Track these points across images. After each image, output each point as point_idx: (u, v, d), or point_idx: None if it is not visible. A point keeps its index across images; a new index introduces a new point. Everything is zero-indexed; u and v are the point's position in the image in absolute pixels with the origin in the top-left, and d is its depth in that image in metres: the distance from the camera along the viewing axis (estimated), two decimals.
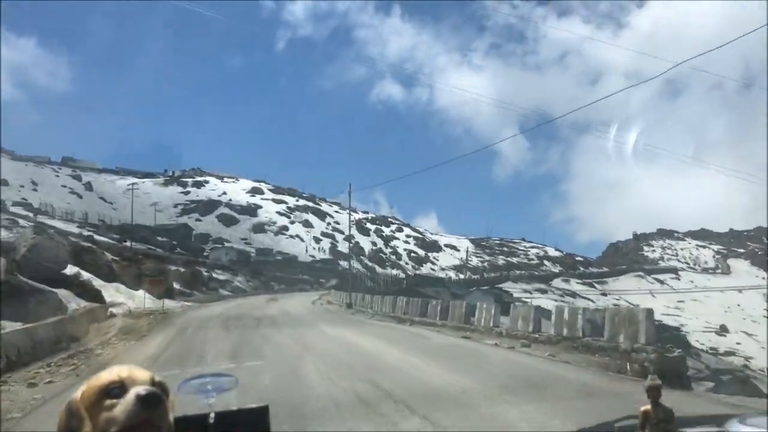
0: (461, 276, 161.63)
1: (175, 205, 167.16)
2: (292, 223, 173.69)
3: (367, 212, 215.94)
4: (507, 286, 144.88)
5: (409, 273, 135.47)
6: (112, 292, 37.97)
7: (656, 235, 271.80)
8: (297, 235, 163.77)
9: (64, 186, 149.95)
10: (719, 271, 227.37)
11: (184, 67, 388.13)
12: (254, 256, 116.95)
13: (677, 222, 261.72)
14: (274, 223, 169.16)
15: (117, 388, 1.23)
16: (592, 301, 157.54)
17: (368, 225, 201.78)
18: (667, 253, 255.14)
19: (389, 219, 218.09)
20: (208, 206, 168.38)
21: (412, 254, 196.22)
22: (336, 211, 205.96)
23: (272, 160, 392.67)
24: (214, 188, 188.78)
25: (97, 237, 67.55)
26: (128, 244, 69.49)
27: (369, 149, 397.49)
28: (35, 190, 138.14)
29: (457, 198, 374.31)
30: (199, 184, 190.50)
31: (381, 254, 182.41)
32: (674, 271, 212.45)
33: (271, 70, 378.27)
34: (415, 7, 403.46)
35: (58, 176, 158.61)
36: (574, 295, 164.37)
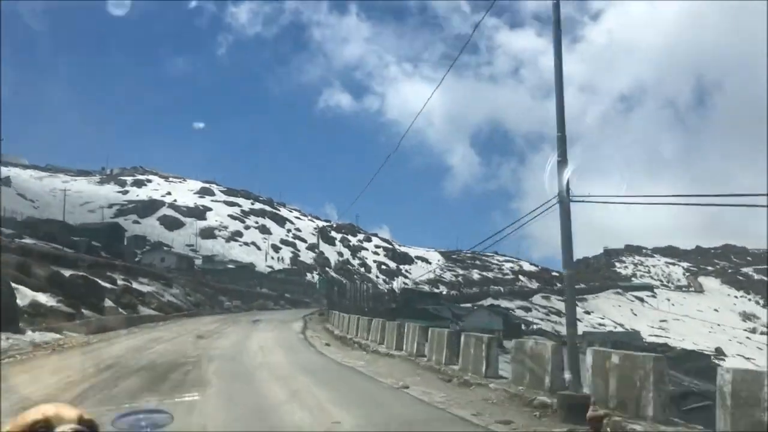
0: (436, 290, 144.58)
1: (110, 205, 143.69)
2: (247, 228, 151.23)
3: (329, 221, 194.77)
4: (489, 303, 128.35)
5: (390, 287, 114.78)
6: None
7: (624, 251, 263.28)
8: (253, 242, 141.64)
9: None
10: (692, 289, 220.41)
11: (126, 68, 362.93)
12: (200, 264, 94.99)
13: (633, 240, 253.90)
14: (226, 227, 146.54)
15: (42, 428, 1.15)
16: (578, 320, 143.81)
17: (333, 234, 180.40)
18: (639, 270, 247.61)
19: (357, 228, 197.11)
20: (148, 207, 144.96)
21: (383, 266, 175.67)
22: (297, 217, 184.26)
23: (223, 162, 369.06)
24: (156, 188, 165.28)
25: None
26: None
27: (322, 156, 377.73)
28: None
29: (413, 211, 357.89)
30: (139, 183, 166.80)
31: (349, 266, 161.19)
32: (650, 288, 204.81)
33: (217, 72, 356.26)
34: (367, 13, 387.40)
35: None
36: (559, 313, 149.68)
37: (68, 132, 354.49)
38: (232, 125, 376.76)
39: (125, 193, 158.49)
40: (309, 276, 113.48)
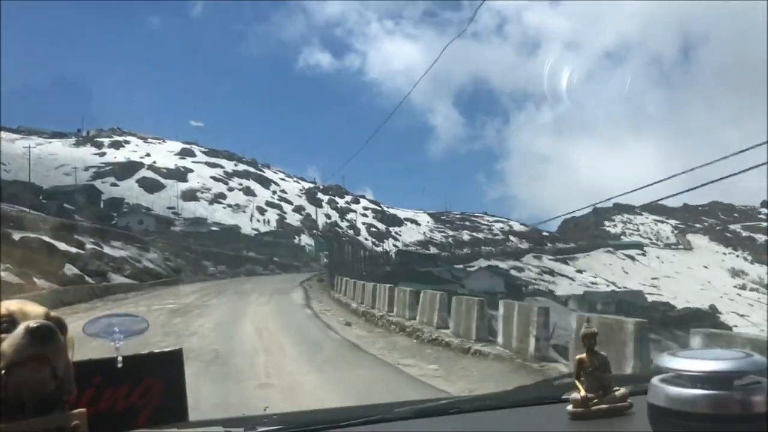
0: (427, 252, 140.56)
1: (87, 168, 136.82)
2: (231, 190, 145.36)
3: (315, 182, 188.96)
4: (480, 264, 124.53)
5: (384, 250, 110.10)
6: None
7: (613, 210, 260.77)
8: (237, 205, 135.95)
9: None
10: (681, 246, 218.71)
11: (100, 26, 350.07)
12: (182, 227, 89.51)
13: (621, 196, 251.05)
14: (209, 189, 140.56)
15: (7, 323, 1.10)
16: (571, 279, 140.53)
17: (320, 195, 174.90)
18: (629, 228, 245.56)
19: (343, 189, 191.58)
20: (126, 169, 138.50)
21: (372, 228, 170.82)
22: (282, 179, 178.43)
23: (205, 122, 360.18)
24: (135, 149, 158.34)
25: None
26: None
27: (303, 117, 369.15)
28: None
29: (398, 173, 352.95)
30: (117, 145, 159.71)
31: (337, 228, 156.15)
32: (639, 246, 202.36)
33: (194, 29, 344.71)
34: None
35: None
36: (552, 273, 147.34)
37: (42, 93, 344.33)
38: (212, 85, 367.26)
39: (102, 155, 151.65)
40: (297, 239, 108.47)
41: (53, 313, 1.17)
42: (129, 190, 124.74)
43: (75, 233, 39.24)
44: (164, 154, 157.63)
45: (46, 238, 30.76)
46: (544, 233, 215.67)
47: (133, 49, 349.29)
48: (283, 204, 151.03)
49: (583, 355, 1.61)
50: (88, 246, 36.97)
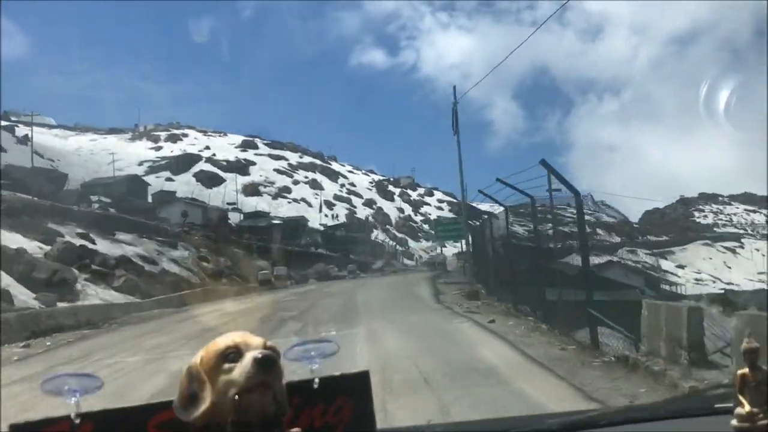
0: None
1: (140, 162, 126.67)
2: (296, 183, 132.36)
3: (386, 176, 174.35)
4: (572, 260, 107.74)
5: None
6: None
7: (699, 200, 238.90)
8: (303, 199, 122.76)
9: None
10: None
11: (158, 25, 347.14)
12: (241, 220, 76.36)
13: (698, 186, 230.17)
14: (272, 183, 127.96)
15: (233, 353, 1.27)
16: (673, 274, 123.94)
17: (391, 188, 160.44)
18: (721, 219, 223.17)
19: (415, 182, 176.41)
20: (182, 162, 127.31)
21: None
22: (350, 171, 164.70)
23: (267, 117, 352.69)
24: (193, 143, 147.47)
25: None
26: None
27: (361, 113, 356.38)
28: None
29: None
30: (174, 138, 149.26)
31: (411, 223, 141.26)
32: (738, 238, 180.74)
33: (253, 27, 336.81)
34: None
35: None
36: (655, 268, 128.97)
37: (100, 92, 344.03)
38: (271, 81, 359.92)
39: (158, 149, 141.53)
40: (375, 233, 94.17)
41: (269, 343, 1.31)
42: (185, 184, 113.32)
43: (49, 218, 25.63)
44: (224, 146, 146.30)
45: None
46: (634, 224, 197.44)
47: (192, 48, 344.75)
48: (352, 197, 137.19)
49: (746, 370, 1.55)
50: (67, 239, 23.04)
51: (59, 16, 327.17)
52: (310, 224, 79.03)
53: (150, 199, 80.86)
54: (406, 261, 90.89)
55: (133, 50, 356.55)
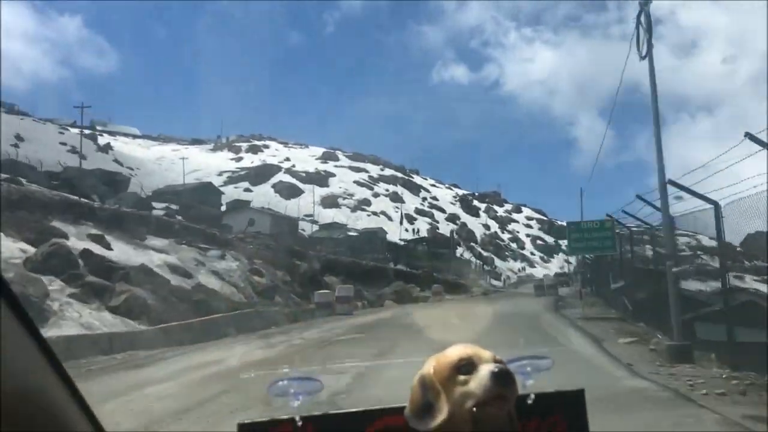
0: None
1: (220, 173, 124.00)
2: (376, 196, 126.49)
3: (469, 191, 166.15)
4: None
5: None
6: None
7: None
8: (383, 212, 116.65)
9: (64, 144, 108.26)
10: None
11: (245, 41, 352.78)
12: (314, 231, 70.77)
13: None
14: (351, 195, 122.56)
15: (466, 365, 1.28)
16: None
17: (476, 203, 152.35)
18: None
19: (502, 197, 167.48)
20: (261, 173, 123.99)
21: (539, 241, 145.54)
22: (433, 185, 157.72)
23: (349, 130, 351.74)
24: (274, 154, 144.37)
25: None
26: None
27: (444, 125, 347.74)
28: (16, 145, 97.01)
29: (541, 183, 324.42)
30: (255, 149, 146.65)
31: (498, 240, 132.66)
32: None
33: (333, 44, 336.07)
34: None
35: (62, 133, 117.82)
36: None
37: (185, 105, 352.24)
38: (352, 94, 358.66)
39: (239, 160, 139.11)
40: (460, 250, 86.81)
41: (497, 357, 1.32)
42: (263, 195, 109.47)
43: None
44: (305, 158, 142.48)
45: None
46: (737, 248, 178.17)
47: (277, 61, 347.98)
48: (434, 211, 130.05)
49: None
50: (56, 242, 17.15)
51: (148, 35, 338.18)
52: (389, 237, 72.50)
53: (224, 207, 76.84)
54: (494, 281, 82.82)
55: (218, 65, 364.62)
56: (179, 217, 52.91)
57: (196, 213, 59.15)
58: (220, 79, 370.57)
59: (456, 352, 1.32)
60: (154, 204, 62.42)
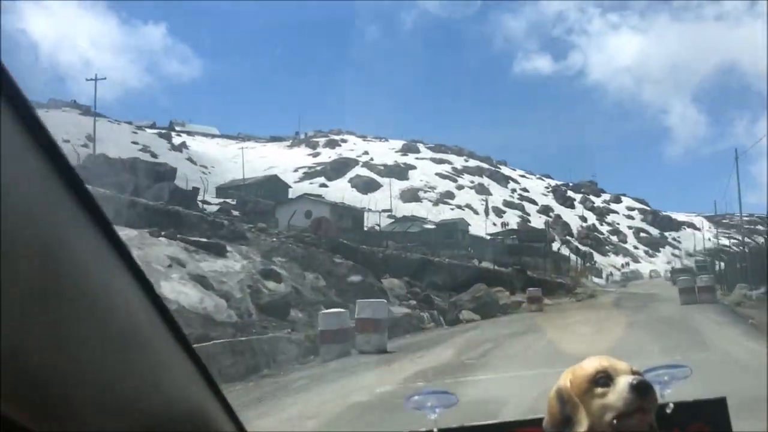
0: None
1: (296, 169, 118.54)
2: (460, 188, 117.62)
3: (565, 182, 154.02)
4: None
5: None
6: None
7: None
8: (467, 205, 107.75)
9: (136, 143, 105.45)
10: None
11: (324, 39, 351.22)
12: (387, 224, 63.00)
13: None
14: (433, 188, 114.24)
15: (603, 377, 1.27)
16: None
17: (570, 194, 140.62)
18: None
19: (599, 187, 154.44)
20: (338, 168, 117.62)
21: (642, 234, 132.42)
22: (522, 176, 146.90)
23: (431, 123, 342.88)
24: (352, 148, 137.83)
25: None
26: None
27: (526, 115, 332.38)
28: (85, 145, 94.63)
29: (652, 171, 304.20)
30: (333, 144, 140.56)
31: (596, 233, 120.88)
32: None
33: (412, 38, 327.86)
34: None
35: (135, 133, 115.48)
36: None
37: (264, 104, 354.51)
38: (433, 86, 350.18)
39: (316, 155, 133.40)
40: (557, 244, 76.74)
41: (634, 368, 1.31)
42: (339, 190, 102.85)
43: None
44: (384, 151, 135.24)
45: None
46: None
47: (355, 55, 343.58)
48: (525, 203, 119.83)
49: None
50: None
51: (227, 38, 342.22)
52: (472, 230, 63.68)
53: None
54: (595, 279, 72.37)
55: (296, 62, 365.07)
56: (235, 213, 46.55)
57: (253, 207, 52.88)
58: (299, 77, 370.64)
59: (592, 364, 1.30)
60: (209, 199, 56.85)
